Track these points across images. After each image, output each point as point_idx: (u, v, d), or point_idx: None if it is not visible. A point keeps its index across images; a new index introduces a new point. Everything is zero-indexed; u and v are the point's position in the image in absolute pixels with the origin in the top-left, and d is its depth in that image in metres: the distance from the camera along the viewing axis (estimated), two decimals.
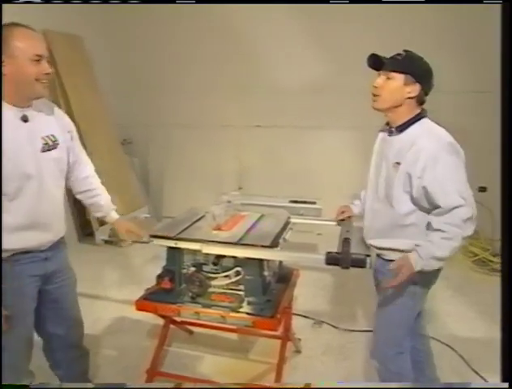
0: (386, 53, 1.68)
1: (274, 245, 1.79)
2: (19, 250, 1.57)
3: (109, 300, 3.21)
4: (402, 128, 1.64)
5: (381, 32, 4.02)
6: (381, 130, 1.79)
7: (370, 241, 1.76)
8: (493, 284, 3.43)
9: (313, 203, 2.33)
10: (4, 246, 1.51)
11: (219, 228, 1.93)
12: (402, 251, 1.64)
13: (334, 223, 2.07)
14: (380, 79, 1.63)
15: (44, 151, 1.58)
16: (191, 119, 4.95)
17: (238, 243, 1.79)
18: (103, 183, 2.05)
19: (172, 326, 2.40)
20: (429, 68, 1.64)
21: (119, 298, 3.15)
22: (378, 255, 1.77)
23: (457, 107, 4.15)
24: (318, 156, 4.62)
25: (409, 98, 1.61)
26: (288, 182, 4.30)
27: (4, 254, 1.53)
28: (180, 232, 1.93)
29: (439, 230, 1.53)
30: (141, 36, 4.93)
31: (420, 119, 1.64)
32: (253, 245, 1.76)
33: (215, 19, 4.56)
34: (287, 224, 2.08)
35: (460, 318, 2.96)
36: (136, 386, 2.14)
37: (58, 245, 1.77)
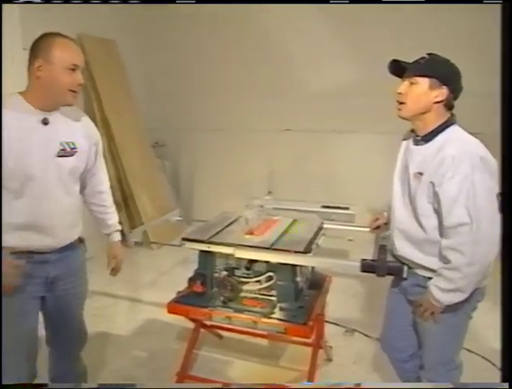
0: (414, 57, 1.63)
1: (307, 250, 1.78)
2: (18, 249, 1.56)
3: (140, 301, 3.27)
4: (429, 137, 1.56)
5: (412, 35, 3.97)
6: (405, 139, 1.72)
7: (399, 254, 1.69)
8: None
9: (347, 208, 2.31)
10: (6, 243, 1.52)
11: (251, 233, 1.94)
12: (432, 271, 1.57)
13: (368, 229, 2.04)
14: (403, 85, 1.56)
15: (59, 156, 1.59)
16: (222, 123, 5.01)
17: (271, 248, 1.79)
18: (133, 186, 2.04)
19: (201, 329, 2.42)
20: (456, 69, 1.55)
21: (150, 300, 3.21)
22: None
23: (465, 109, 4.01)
24: (349, 161, 4.58)
25: (436, 103, 1.53)
26: (319, 187, 4.28)
27: (6, 251, 1.52)
28: (212, 236, 1.95)
29: (445, 260, 1.47)
30: (173, 40, 5.04)
31: (448, 126, 1.55)
32: (286, 251, 1.76)
33: (246, 22, 4.61)
34: (320, 229, 2.07)
35: (497, 329, 2.84)
36: (143, 387, 2.15)
37: (67, 250, 1.70)
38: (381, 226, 1.96)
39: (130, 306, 3.21)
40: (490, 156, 1.50)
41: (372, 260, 1.62)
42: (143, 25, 4.94)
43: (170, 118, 5.23)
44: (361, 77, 4.36)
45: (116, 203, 2.00)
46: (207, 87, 5.03)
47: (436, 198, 1.49)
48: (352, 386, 1.47)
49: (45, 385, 1.64)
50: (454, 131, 1.55)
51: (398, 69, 1.58)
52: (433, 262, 1.57)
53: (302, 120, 4.62)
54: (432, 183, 1.49)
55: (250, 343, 2.57)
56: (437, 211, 1.51)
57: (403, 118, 1.59)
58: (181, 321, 2.45)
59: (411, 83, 1.54)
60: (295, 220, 2.16)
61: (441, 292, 1.50)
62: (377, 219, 1.99)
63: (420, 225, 1.57)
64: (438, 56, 1.57)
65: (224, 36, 4.81)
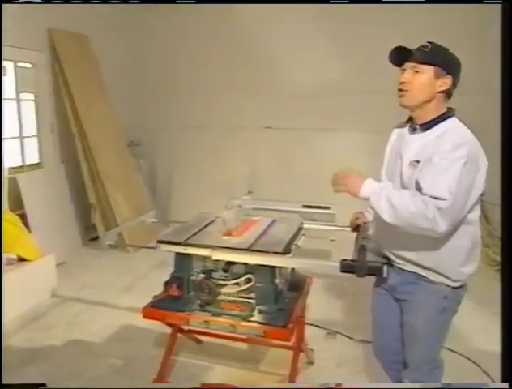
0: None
1: (286, 251, 1.79)
2: None
3: (116, 307, 3.24)
4: (428, 126, 1.59)
5: (395, 34, 4.02)
6: (399, 127, 1.74)
7: (387, 252, 1.73)
8: None
9: (327, 208, 2.33)
10: None
11: (229, 234, 1.94)
12: (424, 268, 1.61)
13: (349, 229, 2.07)
14: (407, 73, 1.57)
15: None
16: (200, 121, 5.01)
17: (249, 249, 1.80)
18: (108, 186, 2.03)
19: (180, 335, 2.41)
20: (458, 59, 1.59)
21: (126, 305, 3.18)
22: (396, 269, 1.72)
23: (476, 107, 4.13)
24: (332, 159, 4.61)
25: (440, 92, 1.56)
26: (300, 186, 4.31)
27: None
28: (189, 238, 1.94)
29: (413, 193, 1.51)
30: (150, 38, 5.01)
31: (448, 117, 1.59)
32: (264, 252, 1.76)
33: (226, 20, 4.61)
34: (299, 229, 2.08)
35: (483, 331, 2.92)
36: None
37: None
38: (362, 225, 1.99)
39: (105, 312, 3.17)
40: (483, 153, 1.56)
41: (351, 260, 1.64)
42: (119, 21, 4.89)
43: (146, 117, 5.20)
44: (343, 75, 4.42)
45: (90, 203, 1.98)
46: (186, 85, 5.03)
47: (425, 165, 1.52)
48: (333, 386, 1.49)
49: (44, 385, 1.64)
50: (455, 122, 1.59)
51: (399, 57, 1.59)
52: (425, 258, 1.61)
53: (283, 118, 4.66)
54: (430, 159, 1.51)
55: (230, 347, 2.58)
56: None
57: (405, 106, 1.61)
58: (158, 326, 2.45)
59: (416, 72, 1.56)
60: (274, 221, 2.17)
61: (385, 195, 1.51)
62: (357, 218, 2.02)
63: None
64: (439, 44, 1.59)
65: (204, 35, 4.81)
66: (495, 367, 2.44)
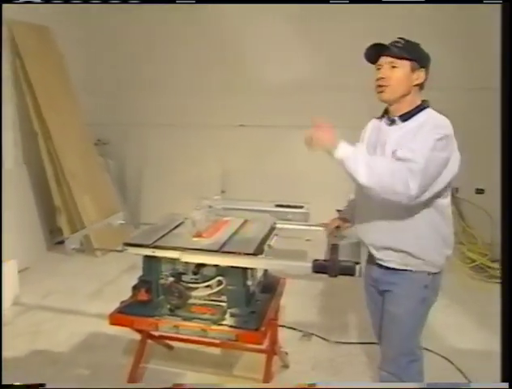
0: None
1: (258, 252, 1.80)
2: None
3: (83, 314, 3.19)
4: (407, 117, 1.68)
5: (369, 31, 4.09)
6: (377, 118, 1.81)
7: (366, 241, 1.79)
8: (492, 292, 3.51)
9: (301, 207, 2.35)
10: None
11: (199, 235, 1.94)
12: (405, 253, 1.68)
13: (323, 228, 2.09)
14: (384, 69, 1.66)
15: None
16: (171, 119, 4.96)
17: (219, 251, 1.80)
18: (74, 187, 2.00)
19: (150, 341, 2.39)
20: (427, 53, 1.70)
21: (93, 312, 3.13)
22: (378, 264, 1.79)
23: (455, 104, 4.24)
24: (306, 157, 4.63)
25: (415, 85, 1.67)
26: (274, 185, 4.33)
27: None
28: (157, 240, 1.93)
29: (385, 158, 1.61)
30: (118, 31, 4.94)
31: (425, 108, 1.69)
32: (235, 253, 1.77)
33: (197, 17, 4.59)
34: (272, 229, 2.10)
35: (458, 329, 3.00)
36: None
37: None
38: (340, 225, 2.01)
39: (72, 320, 3.12)
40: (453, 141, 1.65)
41: (324, 260, 1.66)
42: (87, 14, 4.80)
43: (115, 114, 5.13)
44: (316, 72, 4.46)
45: (55, 206, 1.93)
46: (158, 82, 4.97)
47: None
48: (305, 387, 1.51)
49: (43, 385, 1.63)
50: (431, 113, 1.69)
51: (375, 54, 1.68)
52: (404, 242, 1.68)
53: (257, 115, 4.66)
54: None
55: (202, 352, 2.57)
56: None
57: (385, 101, 1.70)
58: (127, 333, 2.42)
59: (393, 67, 1.65)
60: (246, 221, 2.18)
61: (355, 155, 1.58)
62: (337, 226, 2.03)
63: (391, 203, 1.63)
64: (410, 40, 1.69)
65: (176, 33, 4.77)
66: (469, 365, 2.53)
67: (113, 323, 1.94)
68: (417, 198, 1.55)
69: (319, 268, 1.65)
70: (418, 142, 1.56)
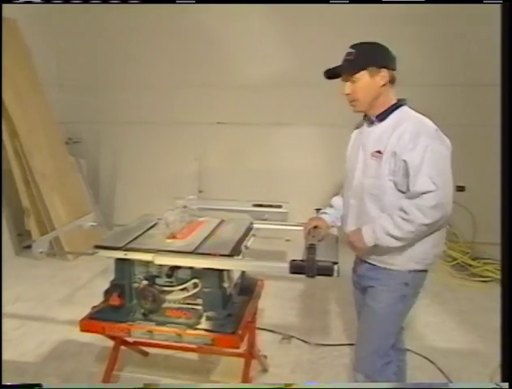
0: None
1: (233, 253, 1.80)
2: None
3: (53, 321, 3.13)
4: (383, 116, 1.74)
5: (348, 29, 4.14)
6: (357, 127, 1.90)
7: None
8: (473, 290, 3.60)
9: (279, 206, 2.36)
10: None
11: (173, 237, 1.93)
12: (392, 253, 1.73)
13: (301, 228, 2.10)
14: (347, 86, 1.74)
15: None
16: (146, 116, 4.93)
17: (194, 252, 1.80)
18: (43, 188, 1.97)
19: (124, 348, 2.37)
20: (382, 47, 1.74)
21: (64, 319, 3.09)
22: (364, 260, 1.86)
23: (433, 101, 4.32)
24: (285, 156, 4.69)
25: (383, 85, 1.72)
26: (253, 184, 4.35)
27: None
28: (129, 242, 1.92)
29: (402, 210, 1.64)
30: (91, 26, 4.87)
31: (400, 106, 1.75)
32: (210, 255, 1.77)
33: (174, 14, 4.56)
34: (249, 230, 2.10)
35: (439, 328, 3.06)
36: None
37: None
38: (319, 225, 2.02)
39: (41, 327, 3.05)
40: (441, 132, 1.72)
41: (301, 260, 1.67)
42: (58, 8, 4.72)
43: (87, 111, 5.06)
44: (295, 69, 4.48)
45: (23, 208, 1.89)
46: (131, 78, 4.93)
47: (400, 167, 1.65)
48: (282, 386, 1.52)
49: (39, 385, 1.61)
50: (407, 110, 1.76)
51: (333, 76, 1.77)
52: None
53: (235, 112, 4.67)
54: (394, 153, 1.66)
55: (179, 358, 2.56)
56: (397, 184, 1.68)
57: (359, 112, 1.79)
58: (100, 340, 2.41)
59: (353, 82, 1.72)
60: (222, 221, 2.18)
61: (384, 233, 1.67)
62: (315, 227, 2.04)
63: (377, 204, 1.73)
64: (362, 44, 1.74)
65: (152, 29, 4.73)
66: (450, 365, 2.58)
67: (83, 330, 1.91)
68: (450, 213, 1.66)
69: (296, 269, 1.66)
70: (418, 169, 1.60)
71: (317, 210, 2.10)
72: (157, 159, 4.94)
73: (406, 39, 4.25)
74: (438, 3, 4.05)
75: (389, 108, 1.74)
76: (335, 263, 1.68)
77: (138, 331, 1.84)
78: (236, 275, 1.97)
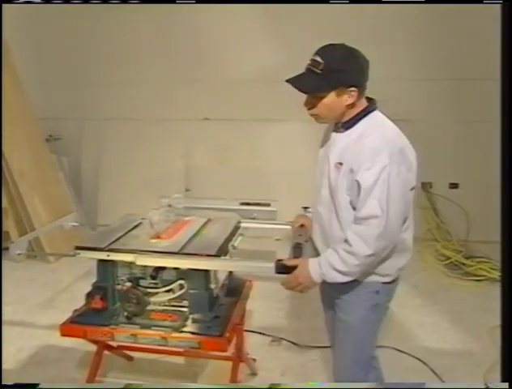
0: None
1: (220, 253, 1.80)
2: None
3: (33, 326, 3.12)
4: (349, 125, 1.64)
5: (341, 24, 4.17)
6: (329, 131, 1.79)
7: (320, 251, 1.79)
8: (466, 290, 3.63)
9: (267, 205, 2.36)
10: None
11: (158, 237, 1.93)
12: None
13: (290, 227, 2.10)
14: (309, 98, 1.63)
15: None
16: (130, 112, 4.90)
17: (179, 253, 1.79)
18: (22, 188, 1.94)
19: (107, 352, 2.36)
20: (355, 59, 1.60)
21: (44, 323, 3.07)
22: None
23: (424, 96, 4.37)
24: (273, 153, 4.69)
25: (350, 104, 1.60)
26: (241, 182, 4.34)
27: None
28: (112, 243, 1.91)
29: (347, 242, 1.56)
30: (73, 23, 4.82)
31: (368, 113, 1.64)
32: (195, 255, 1.77)
33: (158, 8, 4.53)
34: (236, 229, 2.10)
35: (431, 328, 3.08)
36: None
37: None
38: (306, 223, 2.03)
39: (20, 333, 3.03)
40: (409, 145, 1.63)
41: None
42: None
43: (68, 107, 5.01)
44: (288, 61, 4.46)
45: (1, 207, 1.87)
46: (115, 73, 4.90)
47: (353, 186, 1.56)
48: (266, 387, 1.53)
49: (37, 385, 1.62)
50: (375, 118, 1.64)
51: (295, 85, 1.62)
52: None
53: (222, 108, 4.66)
54: (351, 170, 1.56)
55: (164, 362, 2.55)
56: (352, 202, 1.60)
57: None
58: (83, 345, 2.39)
59: (315, 97, 1.61)
60: (209, 220, 2.18)
61: (331, 268, 1.60)
62: (301, 225, 2.04)
63: (338, 219, 1.66)
64: (331, 51, 1.60)
65: (132, 23, 4.70)
66: (443, 365, 2.60)
67: (64, 334, 1.91)
68: (395, 240, 1.59)
69: (282, 269, 1.67)
70: (369, 192, 1.52)
71: (305, 208, 2.10)
72: (142, 156, 4.92)
73: (401, 34, 4.31)
74: (438, 3, 4.11)
75: (357, 114, 1.63)
76: None
77: (122, 334, 1.83)
78: (223, 276, 1.97)
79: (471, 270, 3.93)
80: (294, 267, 1.67)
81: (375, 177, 1.51)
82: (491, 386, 1.71)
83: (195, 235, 1.99)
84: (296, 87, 1.61)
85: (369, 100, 1.67)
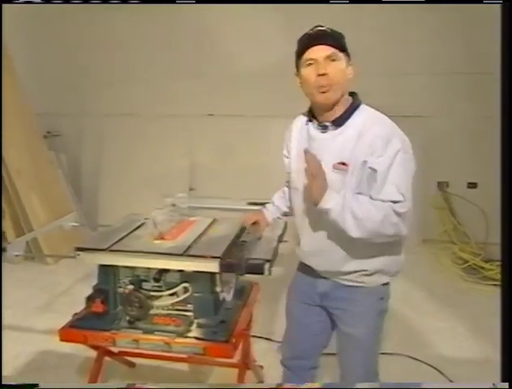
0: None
1: (226, 255, 1.80)
2: None
3: (31, 330, 3.14)
4: (341, 121, 1.61)
5: (348, 17, 4.15)
6: (303, 117, 1.79)
7: (325, 268, 1.74)
8: (485, 295, 3.61)
9: None
10: None
11: (161, 238, 1.93)
12: (361, 271, 1.68)
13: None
14: (323, 64, 1.53)
15: None
16: (132, 108, 4.93)
17: (184, 254, 1.79)
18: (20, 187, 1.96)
19: (108, 358, 2.37)
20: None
21: (43, 328, 3.09)
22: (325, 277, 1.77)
23: (444, 92, 4.35)
24: (281, 150, 4.67)
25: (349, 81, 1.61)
26: (248, 181, 4.33)
27: None
28: (114, 244, 1.91)
29: (371, 198, 1.54)
30: (73, 16, 4.84)
31: (358, 106, 1.63)
32: (201, 257, 1.76)
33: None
34: (243, 229, 2.10)
35: (448, 335, 3.07)
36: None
37: None
38: (260, 221, 2.02)
39: (17, 337, 3.06)
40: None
41: (231, 259, 1.73)
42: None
43: (67, 102, 5.04)
44: (290, 57, 4.47)
45: None
46: (116, 67, 4.93)
47: (367, 173, 1.55)
48: (273, 386, 1.54)
49: (36, 385, 1.65)
50: (368, 109, 1.64)
51: (309, 44, 1.59)
52: (369, 262, 1.67)
53: (228, 103, 4.66)
54: (365, 162, 1.54)
55: (168, 369, 2.56)
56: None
57: (327, 104, 1.59)
58: (82, 350, 2.40)
59: (333, 60, 1.55)
60: (215, 220, 2.18)
61: (347, 207, 1.51)
62: (255, 222, 2.03)
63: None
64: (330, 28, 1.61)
65: (133, 16, 4.71)
66: (460, 374, 2.59)
67: (63, 339, 1.91)
68: (407, 222, 1.57)
69: (226, 268, 1.72)
70: (386, 176, 1.52)
71: (264, 204, 2.12)
72: (144, 154, 4.93)
73: (415, 27, 4.28)
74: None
75: (347, 110, 1.61)
76: (268, 261, 1.73)
77: (124, 339, 1.83)
78: (230, 279, 1.97)
79: (491, 274, 3.90)
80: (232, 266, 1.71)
81: (390, 161, 1.52)
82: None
83: (200, 236, 1.99)
84: (328, 35, 1.57)
85: (352, 94, 1.67)
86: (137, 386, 1.80)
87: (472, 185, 4.57)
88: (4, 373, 2.67)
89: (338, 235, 1.61)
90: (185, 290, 1.84)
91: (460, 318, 3.25)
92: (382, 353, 2.64)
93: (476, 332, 3.07)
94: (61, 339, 1.91)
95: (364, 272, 1.68)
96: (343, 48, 1.57)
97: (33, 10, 4.69)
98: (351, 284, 1.71)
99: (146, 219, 2.11)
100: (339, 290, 1.74)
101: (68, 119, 5.09)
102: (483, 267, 4.02)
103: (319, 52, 1.55)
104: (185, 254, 1.81)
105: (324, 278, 1.77)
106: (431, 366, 2.67)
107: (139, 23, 4.76)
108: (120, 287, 1.89)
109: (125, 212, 2.38)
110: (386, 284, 1.75)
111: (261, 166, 4.61)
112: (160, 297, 1.87)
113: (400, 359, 2.65)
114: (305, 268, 1.83)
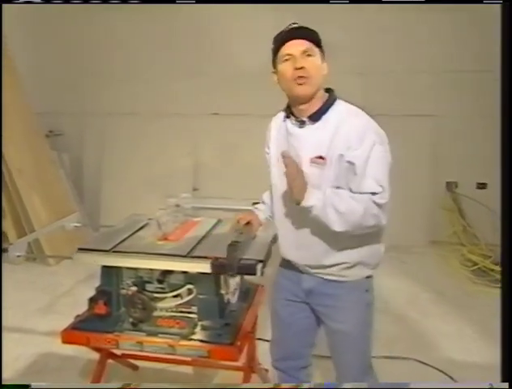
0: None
1: None
2: None
3: (32, 332, 3.15)
4: (317, 117, 1.64)
5: (353, 17, 4.15)
6: (277, 118, 1.84)
7: (306, 262, 1.75)
8: (494, 298, 3.57)
9: None
10: None
11: (165, 238, 1.94)
12: (344, 263, 1.69)
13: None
14: (301, 57, 1.58)
15: None
16: (135, 107, 4.93)
17: (188, 255, 1.80)
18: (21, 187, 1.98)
19: (111, 361, 2.37)
20: None
21: (44, 329, 3.09)
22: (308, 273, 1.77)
23: (451, 90, 4.33)
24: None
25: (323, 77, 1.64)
26: (251, 181, 4.31)
27: None
28: (117, 244, 1.93)
29: (351, 192, 1.58)
30: (74, 14, 4.86)
31: (334, 102, 1.66)
32: (205, 258, 1.77)
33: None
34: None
35: (457, 338, 3.06)
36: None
37: None
38: (253, 221, 2.00)
39: (19, 339, 3.06)
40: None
41: (223, 259, 1.71)
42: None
43: (69, 101, 5.06)
44: None
45: None
46: (119, 66, 4.96)
47: (345, 170, 1.58)
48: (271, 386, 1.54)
49: (28, 386, 1.63)
50: (343, 104, 1.68)
51: (285, 39, 1.64)
52: (350, 254, 1.69)
53: (232, 102, 4.66)
54: (341, 155, 1.58)
55: (171, 372, 2.56)
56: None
57: (304, 97, 1.62)
58: (85, 353, 2.41)
59: (309, 55, 1.59)
60: (219, 221, 2.18)
61: (329, 203, 1.54)
62: (248, 222, 2.00)
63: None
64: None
65: (135, 15, 4.73)
66: (468, 378, 2.57)
67: (65, 341, 1.93)
68: (386, 212, 1.60)
69: (218, 268, 1.71)
70: (364, 168, 1.55)
71: (255, 204, 2.11)
72: (147, 153, 4.94)
73: (423, 24, 4.27)
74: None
75: (323, 105, 1.64)
76: (261, 262, 1.74)
77: (127, 342, 1.85)
78: (234, 281, 1.97)
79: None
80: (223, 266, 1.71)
81: (366, 154, 1.56)
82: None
83: (205, 237, 2.00)
84: (306, 31, 1.63)
85: (328, 90, 1.70)
86: (132, 386, 1.80)
87: (482, 186, 4.55)
88: (4, 375, 2.67)
89: (318, 229, 1.64)
90: (190, 292, 1.85)
91: (469, 321, 3.24)
92: (390, 357, 2.69)
93: (485, 335, 3.05)
94: (64, 342, 1.92)
95: (345, 265, 1.69)
96: (318, 43, 1.62)
97: (33, 10, 4.70)
98: (334, 278, 1.72)
99: (149, 219, 2.13)
100: (324, 286, 1.74)
101: (70, 118, 5.12)
102: (493, 270, 4.00)
103: (295, 46, 1.60)
104: (190, 255, 1.82)
105: (307, 274, 1.77)
106: (438, 370, 2.65)
107: (139, 23, 4.78)
108: (123, 288, 1.91)
109: (128, 213, 2.39)
110: (369, 277, 1.77)
111: (266, 165, 4.61)
112: (164, 298, 1.88)
113: (409, 363, 2.65)
114: (287, 264, 1.83)
